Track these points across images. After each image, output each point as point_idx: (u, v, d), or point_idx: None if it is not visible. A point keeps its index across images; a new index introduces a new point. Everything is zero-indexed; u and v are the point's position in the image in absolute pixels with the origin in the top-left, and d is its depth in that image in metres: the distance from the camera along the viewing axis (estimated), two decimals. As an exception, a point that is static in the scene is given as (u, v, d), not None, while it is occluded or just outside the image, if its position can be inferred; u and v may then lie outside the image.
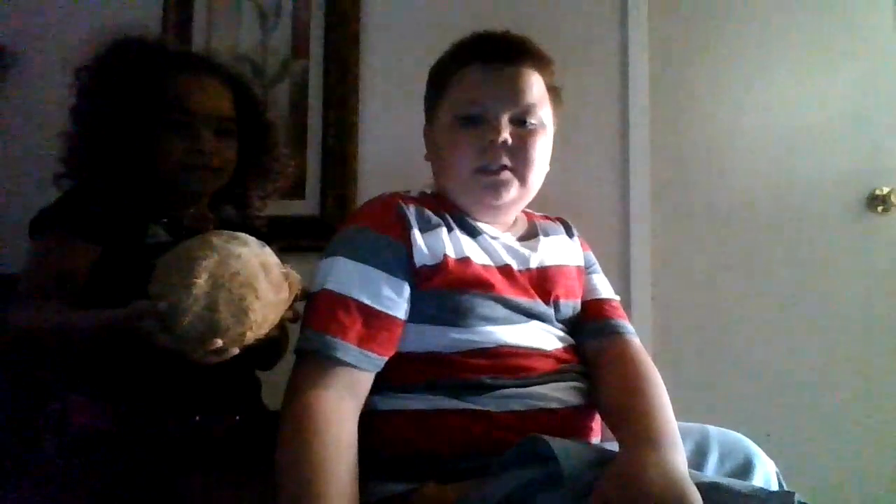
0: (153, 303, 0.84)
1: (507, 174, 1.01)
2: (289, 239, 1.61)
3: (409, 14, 1.79)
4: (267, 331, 0.90)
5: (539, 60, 1.06)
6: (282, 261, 0.95)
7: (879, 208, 1.70)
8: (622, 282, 1.65)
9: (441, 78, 1.08)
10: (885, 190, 1.69)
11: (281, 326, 0.96)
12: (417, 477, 0.89)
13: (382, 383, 0.93)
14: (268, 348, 0.99)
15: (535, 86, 1.04)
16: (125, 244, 1.06)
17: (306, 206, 1.75)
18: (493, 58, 1.03)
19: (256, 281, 0.87)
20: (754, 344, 1.69)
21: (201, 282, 0.83)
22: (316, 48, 1.79)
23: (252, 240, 0.93)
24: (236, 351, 0.88)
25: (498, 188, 1.01)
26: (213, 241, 0.88)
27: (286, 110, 1.77)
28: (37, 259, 1.07)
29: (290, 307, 0.95)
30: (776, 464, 1.02)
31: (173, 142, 1.12)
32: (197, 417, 1.05)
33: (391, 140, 1.74)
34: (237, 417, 1.10)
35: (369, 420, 0.91)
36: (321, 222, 1.72)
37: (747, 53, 1.76)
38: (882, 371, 1.66)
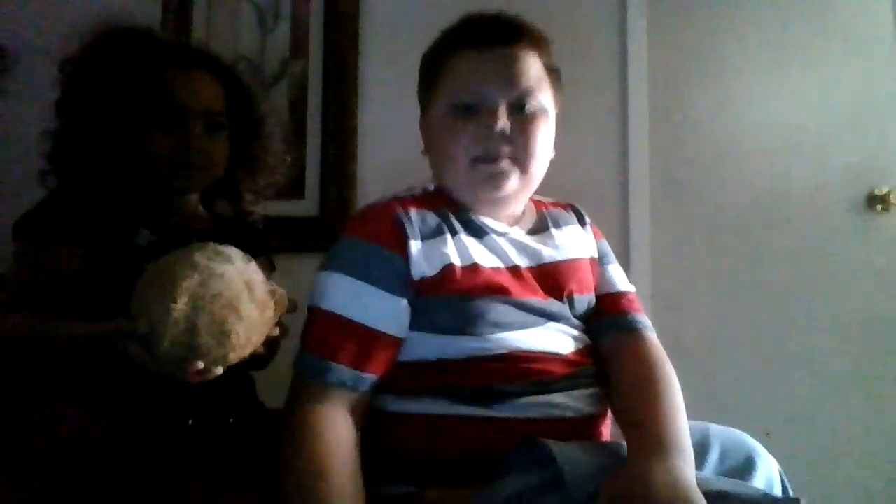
0: (133, 323, 0.82)
1: (507, 163, 0.95)
2: (288, 239, 1.62)
3: (409, 14, 1.79)
4: (251, 350, 0.88)
5: (535, 40, 0.99)
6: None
7: (879, 208, 1.70)
8: (622, 281, 1.65)
9: (433, 66, 1.02)
10: (885, 190, 1.69)
11: (269, 342, 0.93)
12: (423, 480, 0.88)
13: (391, 386, 0.92)
14: (256, 360, 0.97)
15: (533, 68, 0.97)
16: (111, 246, 1.03)
17: (306, 206, 1.74)
18: (486, 41, 0.96)
19: (239, 302, 0.84)
20: (754, 343, 1.69)
21: (181, 305, 0.81)
22: (316, 48, 1.79)
23: (237, 255, 0.90)
24: (220, 371, 0.86)
25: (498, 179, 0.95)
26: (195, 260, 0.85)
27: (286, 110, 1.77)
28: (19, 264, 1.04)
29: (278, 324, 0.93)
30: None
31: (161, 137, 1.08)
32: (190, 421, 1.03)
33: (391, 140, 1.73)
34: (230, 420, 1.09)
35: (377, 421, 0.90)
36: (321, 222, 1.72)
37: (747, 52, 1.76)
38: (882, 370, 1.66)
